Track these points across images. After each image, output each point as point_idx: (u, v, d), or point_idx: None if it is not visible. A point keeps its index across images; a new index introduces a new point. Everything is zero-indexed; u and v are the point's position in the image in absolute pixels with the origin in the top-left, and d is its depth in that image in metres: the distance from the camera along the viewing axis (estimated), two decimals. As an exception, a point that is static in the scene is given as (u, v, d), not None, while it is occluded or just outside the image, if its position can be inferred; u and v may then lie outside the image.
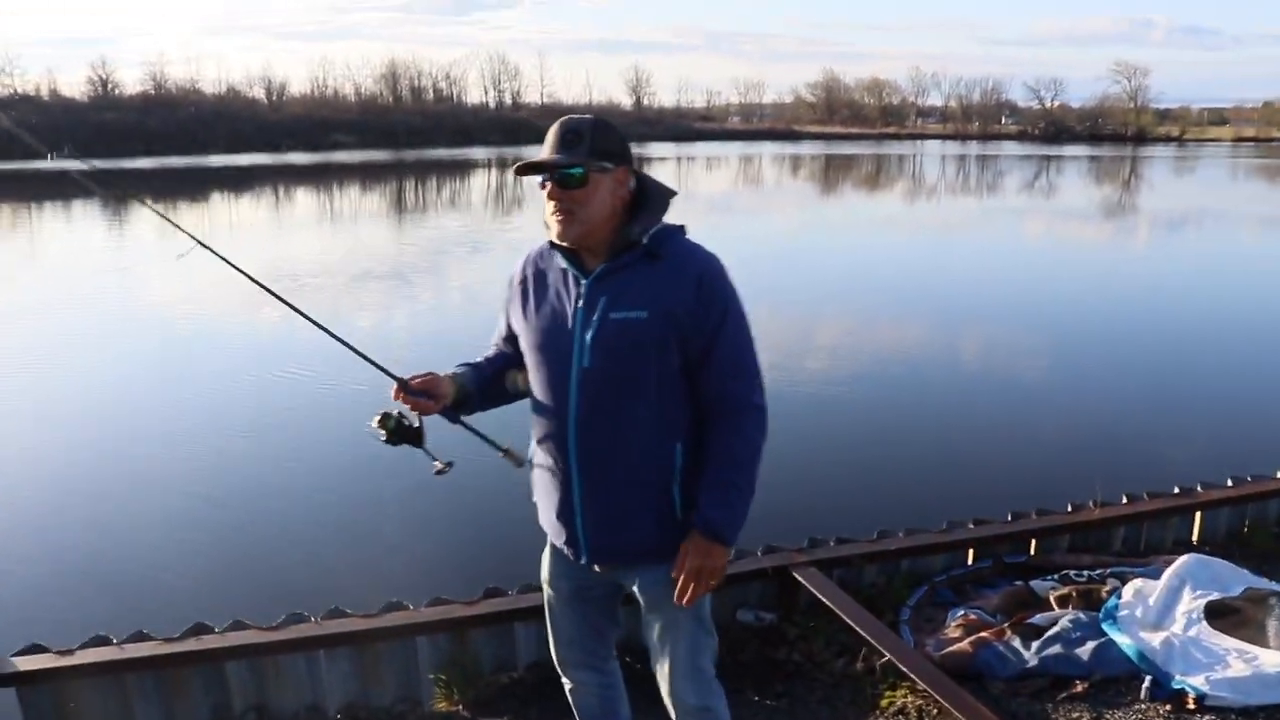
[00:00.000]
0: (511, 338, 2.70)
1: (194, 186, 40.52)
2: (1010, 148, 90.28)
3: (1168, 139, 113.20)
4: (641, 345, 2.39)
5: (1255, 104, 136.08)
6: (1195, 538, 5.37)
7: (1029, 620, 4.15)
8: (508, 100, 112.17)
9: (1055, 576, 4.62)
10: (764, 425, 2.47)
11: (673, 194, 2.52)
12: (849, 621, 3.97)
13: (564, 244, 2.45)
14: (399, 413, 2.55)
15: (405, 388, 2.52)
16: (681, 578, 2.45)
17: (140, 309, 14.56)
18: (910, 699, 3.78)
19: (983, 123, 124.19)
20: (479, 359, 2.79)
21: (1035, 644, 3.97)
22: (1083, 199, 37.72)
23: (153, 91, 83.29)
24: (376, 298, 15.13)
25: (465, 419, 2.69)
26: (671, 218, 2.53)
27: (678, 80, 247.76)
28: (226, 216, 29.99)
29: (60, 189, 37.07)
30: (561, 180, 2.37)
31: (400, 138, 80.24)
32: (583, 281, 2.48)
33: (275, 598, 4.66)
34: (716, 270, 2.45)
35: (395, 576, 5.58)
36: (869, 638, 3.87)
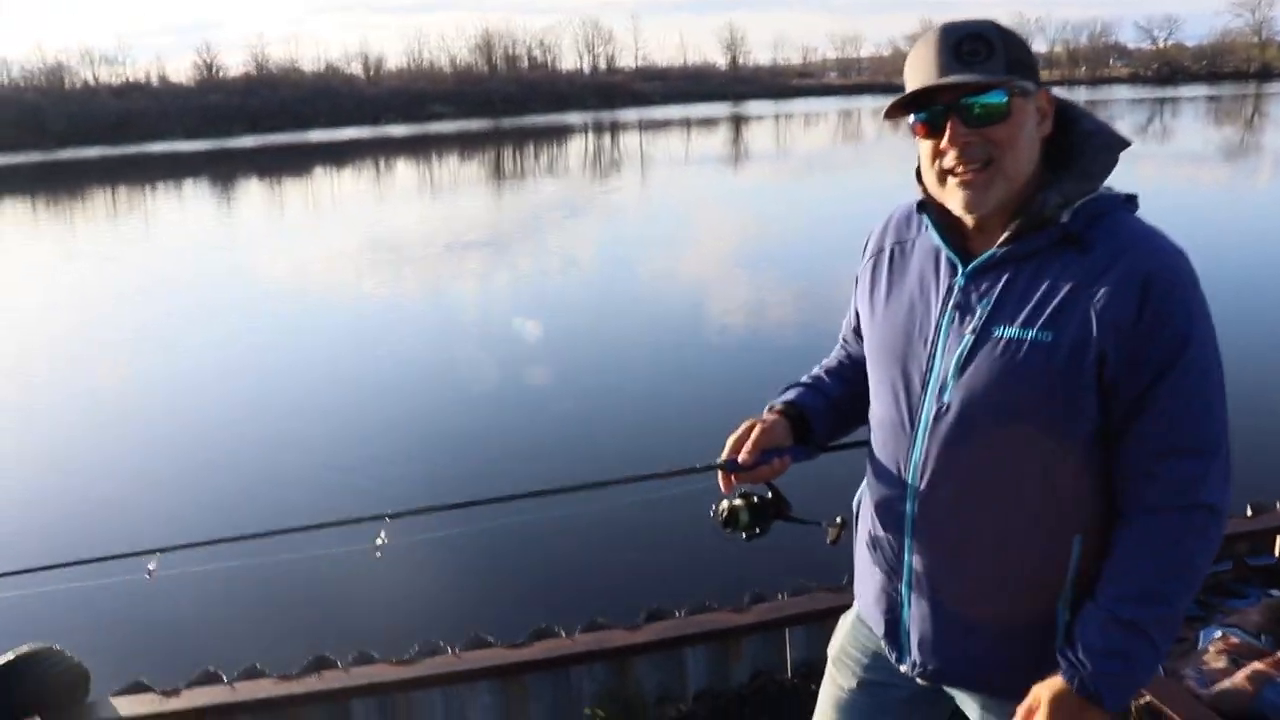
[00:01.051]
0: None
1: (297, 162, 40.98)
2: (1121, 91, 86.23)
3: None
4: (1040, 383, 1.54)
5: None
6: None
7: (1311, 648, 3.43)
8: (602, 65, 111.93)
9: None
10: (1215, 537, 1.55)
11: (1124, 143, 1.64)
12: None
13: (975, 215, 1.60)
14: (743, 496, 1.85)
15: (734, 468, 1.79)
16: None
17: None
18: (1179, 749, 3.06)
19: (1090, 67, 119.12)
20: (818, 370, 2.04)
21: None
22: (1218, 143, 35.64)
23: (254, 72, 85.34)
24: (476, 265, 14.86)
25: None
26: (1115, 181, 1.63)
27: (773, 37, 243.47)
28: (329, 189, 30.13)
29: (171, 169, 37.86)
30: (971, 114, 1.55)
31: (496, 106, 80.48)
32: (959, 271, 1.65)
33: (406, 628, 4.11)
34: (1178, 273, 1.52)
35: (543, 603, 4.91)
36: None
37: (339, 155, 44.09)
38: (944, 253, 1.68)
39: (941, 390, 1.63)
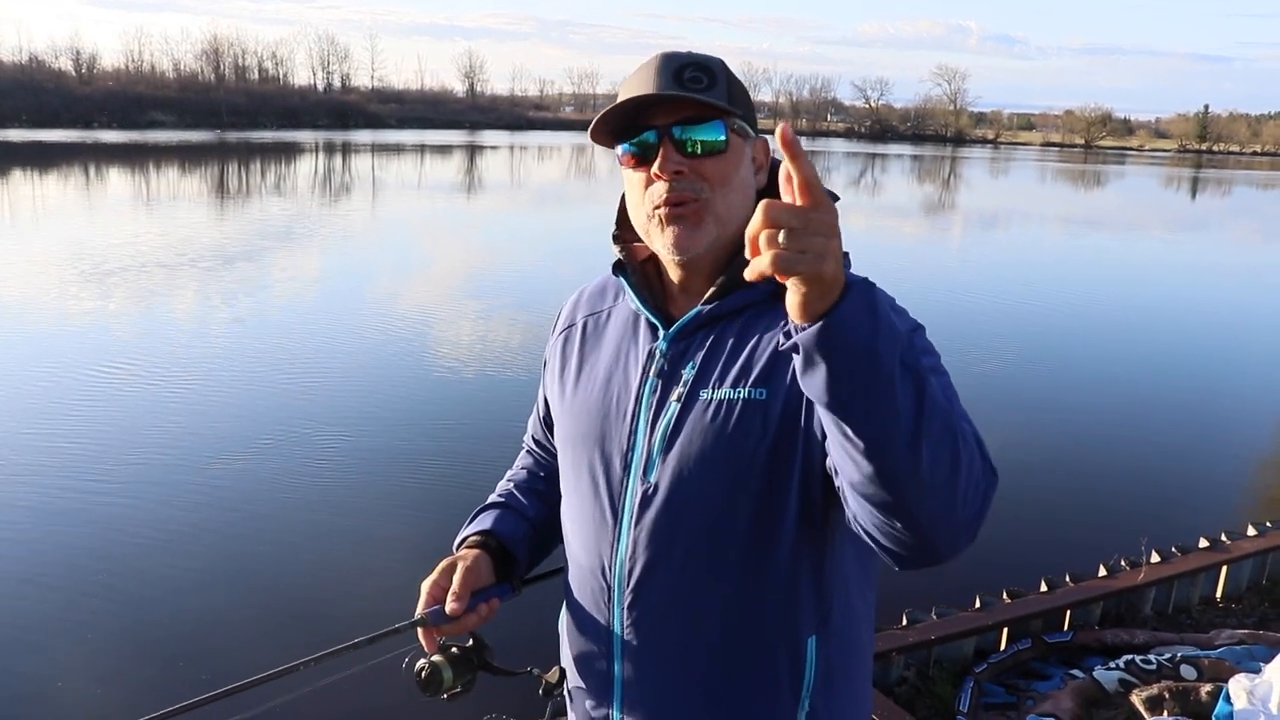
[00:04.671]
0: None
1: (-7, 163, 37.85)
2: (838, 144, 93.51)
3: (984, 141, 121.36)
4: (761, 447, 1.36)
5: (1058, 112, 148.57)
6: (1219, 594, 4.96)
7: (1132, 736, 3.50)
8: (336, 83, 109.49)
9: (1120, 664, 3.99)
10: (979, 453, 1.17)
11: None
12: None
13: (684, 256, 1.43)
14: (442, 650, 1.53)
15: (440, 621, 1.49)
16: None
17: None
18: None
19: (810, 119, 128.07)
20: (508, 484, 1.80)
21: None
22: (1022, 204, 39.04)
23: (-56, 59, 77.56)
24: (194, 285, 14.37)
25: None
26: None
27: (511, 68, 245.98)
28: (30, 194, 28.12)
29: None
30: (684, 147, 1.38)
31: (223, 118, 77.40)
32: (660, 334, 1.49)
33: None
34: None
35: None
36: None
37: (42, 158, 41.04)
38: (644, 317, 1.51)
39: (646, 469, 1.44)
